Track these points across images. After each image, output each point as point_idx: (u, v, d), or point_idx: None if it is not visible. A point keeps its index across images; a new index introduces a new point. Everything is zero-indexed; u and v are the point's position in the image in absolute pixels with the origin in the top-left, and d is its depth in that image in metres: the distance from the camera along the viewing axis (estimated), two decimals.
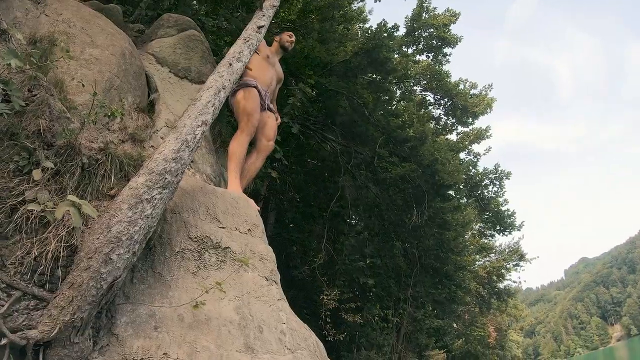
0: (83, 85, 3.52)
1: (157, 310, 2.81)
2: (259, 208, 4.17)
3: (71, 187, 2.77)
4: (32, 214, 2.40)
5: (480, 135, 13.74)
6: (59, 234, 2.44)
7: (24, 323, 2.33)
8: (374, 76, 10.36)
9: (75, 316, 2.32)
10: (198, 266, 3.12)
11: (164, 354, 2.64)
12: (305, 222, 10.81)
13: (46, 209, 2.38)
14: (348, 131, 10.59)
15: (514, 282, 28.67)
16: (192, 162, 4.90)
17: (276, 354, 3.05)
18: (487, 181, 13.53)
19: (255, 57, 5.33)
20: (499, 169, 13.70)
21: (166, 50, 5.98)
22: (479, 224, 27.42)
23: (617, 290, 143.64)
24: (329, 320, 8.36)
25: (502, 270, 27.64)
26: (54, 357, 2.41)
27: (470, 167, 12.99)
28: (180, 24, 6.32)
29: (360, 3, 13.76)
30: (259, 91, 5.20)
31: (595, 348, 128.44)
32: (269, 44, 6.00)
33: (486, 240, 27.43)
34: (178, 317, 2.81)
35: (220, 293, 3.05)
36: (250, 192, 7.68)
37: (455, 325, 21.33)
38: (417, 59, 13.34)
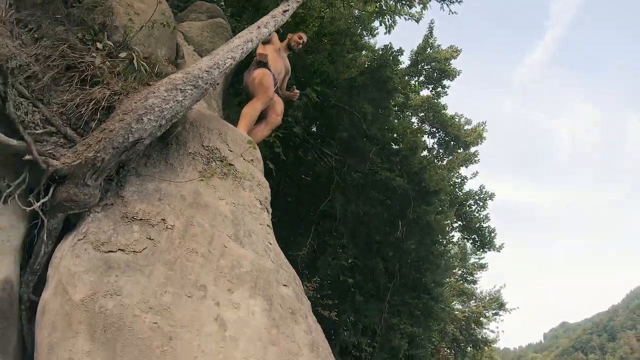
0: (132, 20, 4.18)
1: (163, 187, 3.32)
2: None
3: (114, 73, 3.38)
4: (87, 71, 3.01)
5: (468, 159, 14.45)
6: (104, 93, 3.02)
7: (50, 152, 2.86)
8: (376, 95, 11.09)
9: (98, 155, 2.81)
10: (205, 169, 3.66)
11: (162, 219, 3.13)
12: (293, 223, 11.26)
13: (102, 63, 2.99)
14: (345, 146, 11.23)
15: (492, 331, 28.71)
16: (210, 111, 5.55)
17: (261, 256, 3.52)
18: (471, 201, 14.16)
19: (269, 47, 6.05)
20: (484, 190, 14.38)
21: (194, 32, 6.71)
22: (460, 270, 27.78)
23: (595, 357, 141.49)
24: None
25: (481, 318, 27.79)
26: (63, 194, 2.87)
27: (457, 190, 13.65)
28: (211, 11, 7.13)
29: (372, 39, 14.74)
30: (272, 74, 5.89)
31: None
32: (282, 40, 6.76)
33: (468, 286, 27.78)
34: (181, 196, 3.32)
35: (220, 194, 3.60)
36: None
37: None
38: (419, 91, 14.24)
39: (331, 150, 11.43)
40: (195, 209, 3.32)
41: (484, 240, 14.20)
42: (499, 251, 15.05)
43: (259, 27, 4.67)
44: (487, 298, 27.39)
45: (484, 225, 14.09)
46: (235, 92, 8.84)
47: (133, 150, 3.06)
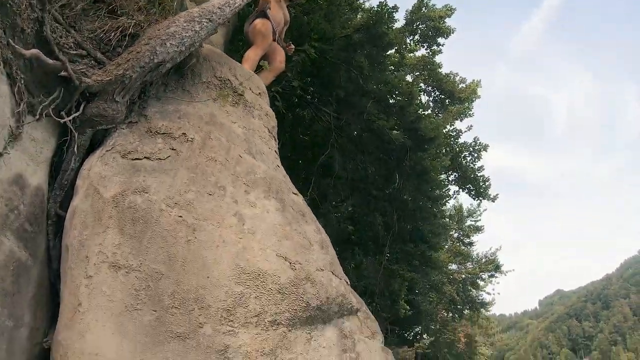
0: None
1: (182, 108, 3.69)
2: None
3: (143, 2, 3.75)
4: (114, 3, 3.35)
5: (462, 112, 14.79)
6: (131, 21, 3.38)
7: (83, 71, 3.21)
8: (374, 50, 11.35)
9: (127, 73, 3.16)
10: (218, 96, 4.03)
11: (182, 133, 3.49)
12: (292, 174, 11.58)
13: None
14: (343, 102, 11.55)
15: (488, 294, 29.34)
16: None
17: (274, 172, 3.92)
18: (466, 153, 14.53)
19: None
20: (478, 141, 14.73)
21: None
22: (457, 232, 28.31)
23: (589, 324, 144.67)
24: None
25: (478, 280, 28.45)
26: (93, 109, 3.23)
27: (451, 141, 14.01)
28: None
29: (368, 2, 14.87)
30: (272, 23, 6.21)
31: None
32: None
33: (464, 248, 28.37)
34: (198, 116, 3.69)
35: (233, 118, 3.97)
36: None
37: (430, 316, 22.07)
38: (414, 50, 14.47)
39: (329, 109, 11.73)
40: (212, 126, 3.69)
41: (479, 189, 14.58)
42: (493, 201, 15.40)
43: None
44: (483, 260, 27.97)
45: (479, 174, 14.47)
46: (235, 49, 9.10)
47: (157, 72, 3.42)
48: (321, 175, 11.04)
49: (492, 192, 14.97)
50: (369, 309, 4.25)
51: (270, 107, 9.34)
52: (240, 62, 4.98)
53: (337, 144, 11.42)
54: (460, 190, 14.88)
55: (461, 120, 15.11)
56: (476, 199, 15.33)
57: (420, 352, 24.51)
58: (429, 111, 14.19)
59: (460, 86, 14.51)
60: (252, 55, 5.72)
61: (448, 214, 18.91)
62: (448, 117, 14.00)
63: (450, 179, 14.70)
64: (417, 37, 14.00)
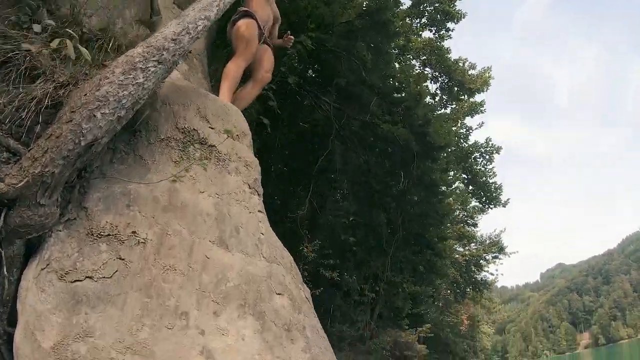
0: None
1: (133, 189, 2.75)
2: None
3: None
4: (23, 64, 2.37)
5: (473, 108, 13.74)
6: (47, 88, 2.41)
7: None
8: (378, 40, 10.28)
9: (47, 169, 2.26)
10: (181, 157, 3.08)
11: (132, 232, 2.59)
12: (292, 177, 10.78)
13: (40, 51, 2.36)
14: (344, 93, 10.54)
15: (491, 274, 29.04)
16: (188, 81, 4.87)
17: (251, 257, 3.01)
18: (477, 154, 13.57)
19: None
20: (490, 142, 13.74)
21: None
22: (461, 213, 27.65)
23: (589, 299, 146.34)
24: (307, 274, 8.41)
25: (481, 261, 28.04)
26: (16, 219, 2.34)
27: (462, 140, 13.02)
28: None
29: None
30: (257, 23, 5.18)
31: (562, 352, 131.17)
32: None
33: (468, 229, 27.76)
34: (153, 199, 2.77)
35: (201, 187, 3.04)
36: None
37: (433, 297, 21.62)
38: (420, 34, 13.31)
39: (329, 98, 10.77)
40: (171, 212, 2.78)
41: (490, 196, 13.71)
42: (504, 206, 14.67)
43: None
44: (488, 242, 27.44)
45: (490, 180, 13.55)
46: (223, 43, 8.14)
47: (90, 154, 2.46)
48: (321, 174, 10.11)
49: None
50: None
51: (265, 105, 8.50)
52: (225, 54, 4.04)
53: (338, 137, 10.47)
54: (469, 194, 14.02)
55: (472, 117, 14.06)
56: (486, 206, 14.53)
57: (422, 336, 24.28)
58: (437, 99, 13.19)
59: (470, 73, 13.43)
60: (233, 69, 4.72)
61: (454, 204, 18.11)
62: (459, 113, 12.96)
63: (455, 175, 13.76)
64: (424, 20, 12.85)
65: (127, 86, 2.50)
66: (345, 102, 10.49)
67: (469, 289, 28.75)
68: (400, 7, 11.47)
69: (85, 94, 2.39)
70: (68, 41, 2.29)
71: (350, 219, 9.32)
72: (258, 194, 3.61)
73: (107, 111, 2.41)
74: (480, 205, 19.06)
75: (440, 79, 13.51)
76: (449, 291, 27.86)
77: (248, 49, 4.89)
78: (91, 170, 2.73)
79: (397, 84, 10.25)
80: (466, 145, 13.15)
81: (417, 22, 13.06)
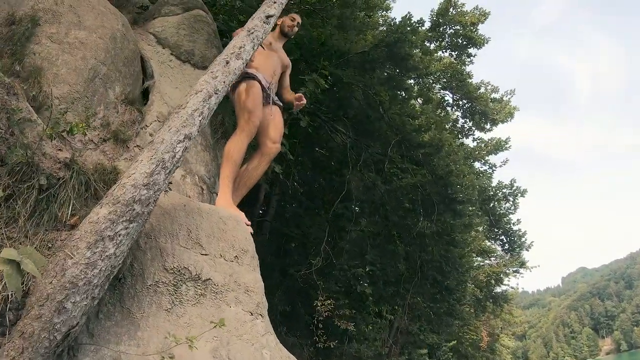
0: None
1: (123, 355, 2.38)
2: (250, 227, 3.68)
3: (24, 215, 2.37)
4: None
5: (498, 147, 13.07)
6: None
7: None
8: (393, 71, 9.76)
9: None
10: (173, 301, 2.67)
11: None
12: (307, 218, 10.34)
13: None
14: (360, 126, 10.06)
15: (512, 287, 28.33)
16: (184, 162, 4.42)
17: None
18: (500, 195, 12.92)
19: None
20: (515, 184, 13.06)
21: (169, 31, 5.56)
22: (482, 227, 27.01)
23: (612, 303, 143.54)
24: (321, 326, 7.97)
25: (501, 275, 27.32)
26: None
27: (485, 179, 12.40)
28: (186, 2, 5.89)
29: None
30: (261, 85, 4.64)
31: (583, 359, 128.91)
32: (272, 28, 5.40)
33: (489, 243, 27.04)
34: None
35: (195, 330, 2.63)
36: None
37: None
38: (439, 55, 12.71)
39: (345, 129, 10.28)
40: None
41: (513, 245, 13.08)
42: (528, 250, 14.06)
43: (227, 63, 3.31)
44: (508, 256, 26.72)
45: (514, 228, 12.90)
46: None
47: (69, 339, 2.12)
48: (337, 218, 9.63)
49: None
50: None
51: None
52: None
53: (354, 175, 9.98)
54: (492, 241, 13.41)
55: (496, 155, 13.34)
56: (509, 253, 13.94)
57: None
58: (459, 125, 12.59)
59: (492, 97, 12.77)
60: (234, 149, 4.20)
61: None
62: (482, 151, 12.33)
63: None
64: (444, 43, 12.23)
65: (96, 263, 2.09)
66: (361, 134, 10.00)
67: (489, 303, 28.06)
68: (419, 31, 10.93)
69: (51, 282, 2.02)
70: (7, 271, 1.88)
71: (367, 269, 8.83)
72: (261, 316, 3.23)
73: (78, 298, 2.06)
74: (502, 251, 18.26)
75: (461, 104, 12.88)
76: (467, 307, 27.24)
77: (250, 121, 4.38)
78: (79, 330, 2.33)
79: (417, 124, 9.68)
80: (489, 185, 12.48)
81: (437, 45, 12.45)
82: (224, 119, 6.04)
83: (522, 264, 27.81)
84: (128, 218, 2.22)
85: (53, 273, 2.02)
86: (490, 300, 27.39)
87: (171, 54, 5.49)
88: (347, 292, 8.72)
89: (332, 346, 8.22)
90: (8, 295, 2.04)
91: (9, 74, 2.91)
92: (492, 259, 28.34)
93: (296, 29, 5.31)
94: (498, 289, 27.49)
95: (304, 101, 5.07)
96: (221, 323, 2.54)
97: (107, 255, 2.11)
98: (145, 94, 4.70)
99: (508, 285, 28.10)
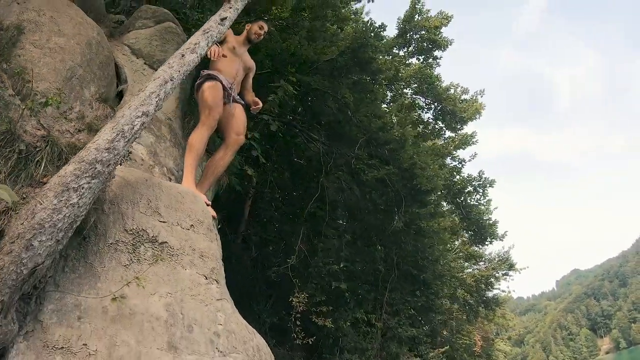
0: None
1: (83, 301, 2.77)
2: (209, 204, 4.10)
3: (4, 172, 2.80)
4: None
5: (465, 141, 13.60)
6: None
7: None
8: (361, 77, 10.26)
9: None
10: (131, 259, 3.06)
11: (83, 344, 2.61)
12: (285, 222, 10.73)
13: None
14: (332, 131, 10.50)
15: (503, 291, 28.53)
16: (153, 154, 4.85)
17: (203, 356, 2.98)
18: (470, 188, 13.37)
19: (221, 47, 5.26)
20: (483, 176, 13.55)
21: (142, 42, 5.97)
22: (464, 234, 27.42)
23: (607, 303, 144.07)
24: (298, 323, 8.28)
25: (491, 279, 27.56)
26: None
27: (454, 173, 12.85)
28: (158, 15, 6.31)
29: (358, 4, 13.67)
30: (222, 84, 5.11)
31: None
32: (240, 32, 5.90)
33: (476, 248, 27.39)
34: (102, 309, 2.76)
35: (151, 288, 3.00)
36: (226, 189, 7.61)
37: (444, 332, 21.24)
38: (408, 62, 13.26)
39: (318, 136, 10.72)
40: (119, 323, 2.78)
41: (484, 233, 13.51)
42: (502, 240, 14.46)
43: (182, 56, 3.82)
44: (496, 259, 27.01)
45: (484, 218, 13.34)
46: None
47: (34, 277, 2.50)
48: (312, 217, 10.02)
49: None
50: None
51: (250, 155, 8.45)
52: None
53: (327, 178, 10.38)
54: (465, 231, 13.84)
55: (464, 149, 13.91)
56: (482, 244, 14.32)
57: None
58: (430, 127, 13.07)
59: (462, 98, 13.34)
60: (196, 139, 4.69)
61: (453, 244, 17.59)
62: (449, 147, 12.83)
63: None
64: (411, 48, 12.82)
65: (61, 209, 2.50)
66: (333, 140, 10.45)
67: (481, 308, 28.22)
68: (386, 38, 11.45)
69: (22, 222, 2.44)
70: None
71: (342, 265, 9.18)
72: (217, 282, 3.58)
73: (44, 238, 2.45)
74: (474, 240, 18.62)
75: (432, 106, 13.43)
76: (459, 312, 27.42)
77: (210, 116, 4.84)
78: (45, 281, 2.75)
79: (382, 122, 10.17)
80: (458, 178, 12.96)
81: (405, 52, 13.01)
82: (194, 123, 6.43)
83: (511, 267, 28.17)
84: (90, 174, 2.65)
85: (25, 216, 2.43)
86: (482, 305, 27.61)
87: (144, 63, 5.89)
88: (323, 289, 9.04)
89: (310, 343, 8.50)
90: None
91: None
92: (481, 263, 28.68)
93: (262, 37, 5.83)
94: (489, 294, 27.77)
95: (260, 105, 5.69)
96: (161, 258, 2.96)
97: (71, 204, 2.53)
98: (120, 97, 5.13)
99: (499, 289, 28.39)
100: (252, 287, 9.67)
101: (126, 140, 2.93)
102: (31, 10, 4.28)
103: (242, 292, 8.31)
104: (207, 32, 4.32)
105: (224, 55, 5.04)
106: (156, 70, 6.07)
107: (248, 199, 9.95)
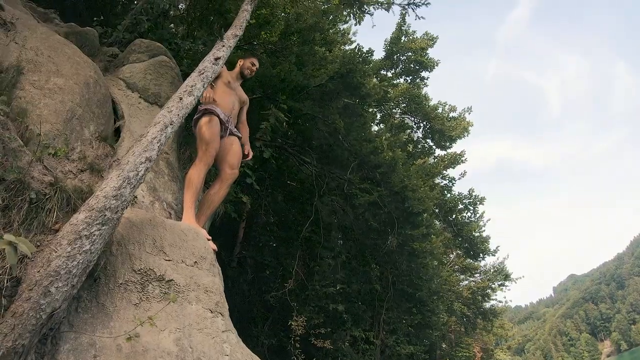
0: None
1: (98, 340, 2.91)
2: (209, 238, 4.25)
3: (18, 221, 2.93)
4: None
5: (455, 160, 13.86)
6: (4, 266, 2.58)
7: None
8: (351, 100, 10.49)
9: (17, 343, 2.46)
10: (140, 298, 3.21)
11: None
12: (281, 246, 10.87)
13: None
14: (323, 155, 10.68)
15: (500, 302, 28.65)
16: (153, 190, 4.99)
17: None
18: (461, 206, 13.60)
19: (216, 83, 5.45)
20: (473, 194, 13.79)
21: (137, 76, 6.11)
22: (457, 250, 27.61)
23: (606, 306, 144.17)
24: (298, 345, 8.37)
25: (488, 290, 27.69)
26: None
27: (445, 192, 13.07)
28: (152, 49, 6.48)
29: (345, 25, 13.99)
30: (219, 118, 5.27)
31: None
32: (234, 65, 6.10)
33: (470, 261, 27.57)
34: (117, 347, 2.90)
35: (161, 324, 3.15)
36: (222, 216, 7.74)
37: (443, 345, 21.27)
38: (395, 82, 13.53)
39: (310, 159, 10.90)
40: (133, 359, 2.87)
41: (476, 250, 13.72)
42: (494, 255, 14.68)
43: (180, 99, 3.99)
44: (492, 270, 27.18)
45: (475, 234, 13.56)
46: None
47: (52, 321, 2.66)
48: (307, 241, 10.16)
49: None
50: None
51: (244, 183, 8.59)
52: None
53: (321, 201, 10.54)
54: (457, 249, 14.05)
55: (454, 168, 14.18)
56: (475, 260, 14.54)
57: None
58: (420, 146, 13.32)
59: (450, 115, 13.62)
60: (194, 176, 4.83)
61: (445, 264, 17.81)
62: (439, 166, 13.09)
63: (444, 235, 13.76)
64: (398, 69, 13.13)
65: (75, 256, 2.65)
66: (325, 163, 10.64)
67: (479, 319, 28.26)
68: (373, 61, 11.70)
69: (39, 270, 2.57)
70: (8, 250, 2.44)
71: (338, 287, 9.31)
72: (221, 315, 3.72)
73: (60, 284, 2.59)
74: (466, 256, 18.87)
75: (421, 126, 13.70)
76: (457, 325, 27.45)
77: (207, 152, 5.00)
78: (59, 322, 2.87)
79: (373, 146, 10.39)
80: (449, 197, 13.20)
81: (392, 72, 13.31)
82: (191, 154, 6.57)
83: (507, 277, 28.32)
84: (101, 221, 2.81)
85: (41, 264, 2.59)
86: (480, 317, 27.67)
87: (140, 97, 6.03)
88: (321, 312, 9.15)
89: None
90: (4, 282, 2.56)
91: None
92: (477, 275, 28.82)
93: (254, 73, 6.07)
94: (486, 305, 27.88)
95: (251, 156, 5.96)
96: (173, 299, 3.11)
97: (84, 251, 2.69)
98: (118, 133, 5.26)
99: (496, 299, 28.51)
100: (249, 310, 9.76)
101: (132, 186, 3.09)
102: (29, 50, 4.44)
103: (240, 314, 8.40)
104: (203, 73, 4.51)
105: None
106: (151, 103, 6.29)
107: (242, 220, 10.09)
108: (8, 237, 2.48)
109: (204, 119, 5.16)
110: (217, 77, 5.48)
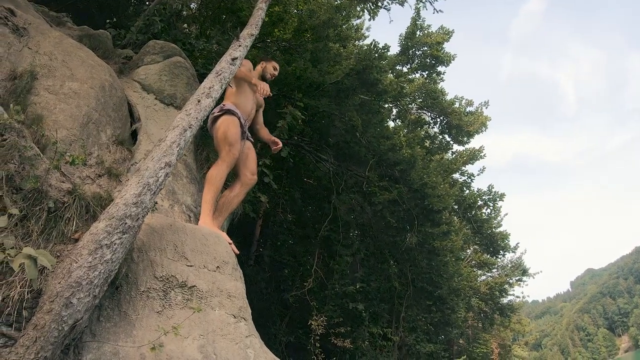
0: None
1: (121, 349, 2.84)
2: (231, 242, 4.17)
3: (37, 232, 2.84)
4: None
5: (473, 156, 13.66)
6: (24, 278, 2.50)
7: None
8: (367, 97, 10.37)
9: (39, 355, 2.39)
10: (163, 305, 3.14)
11: None
12: (299, 244, 10.80)
13: (9, 257, 2.44)
14: (341, 152, 10.58)
15: (517, 297, 28.39)
16: (172, 193, 4.92)
17: None
18: (480, 202, 13.40)
19: (238, 83, 5.33)
20: (493, 190, 13.58)
21: (152, 77, 6.03)
22: (474, 245, 27.32)
23: (624, 300, 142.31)
24: (318, 345, 8.31)
25: (505, 286, 27.43)
26: None
27: (464, 188, 12.89)
28: (166, 50, 6.41)
29: (358, 20, 13.86)
30: (240, 120, 5.15)
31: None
32: (256, 64, 5.96)
33: (488, 256, 27.29)
34: (140, 356, 2.83)
35: (185, 331, 3.08)
36: (240, 215, 7.68)
37: (461, 341, 21.13)
38: (411, 77, 13.36)
39: (327, 156, 10.81)
40: None
41: (497, 247, 13.52)
42: (514, 252, 14.46)
43: (198, 102, 3.87)
44: (509, 266, 26.90)
45: (496, 231, 13.35)
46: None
47: (75, 332, 2.60)
48: (326, 240, 10.07)
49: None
50: None
51: (261, 182, 8.54)
52: None
53: (339, 199, 10.44)
54: (475, 245, 13.88)
55: (472, 164, 13.96)
56: (495, 256, 14.38)
57: None
58: (437, 141, 13.16)
59: (467, 110, 13.44)
60: (215, 176, 4.69)
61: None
62: (458, 163, 12.90)
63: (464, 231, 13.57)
64: (414, 64, 12.96)
65: (96, 266, 2.58)
66: (343, 160, 10.54)
67: (496, 315, 28.05)
68: (389, 57, 11.56)
69: (59, 281, 2.50)
70: (28, 263, 2.37)
71: (358, 286, 9.22)
72: (244, 319, 3.65)
73: (82, 295, 2.52)
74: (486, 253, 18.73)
75: (438, 121, 13.52)
76: (474, 321, 27.25)
77: (231, 153, 4.86)
78: (81, 331, 2.81)
79: (391, 143, 10.25)
80: (469, 193, 12.99)
81: (408, 67, 13.15)
82: (208, 154, 6.49)
83: (524, 272, 28.03)
84: (121, 230, 2.73)
85: (61, 275, 2.51)
86: (497, 313, 27.45)
87: (155, 98, 5.95)
88: (341, 311, 9.07)
89: None
90: (25, 294, 2.49)
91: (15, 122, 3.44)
92: (494, 270, 28.55)
93: (274, 77, 5.93)
94: (504, 300, 27.63)
95: (280, 145, 5.75)
96: (198, 309, 3.02)
97: (105, 260, 2.61)
98: (134, 135, 5.19)
99: (513, 295, 28.24)
100: (267, 308, 9.72)
101: (152, 193, 3.01)
102: (43, 55, 4.38)
103: (257, 312, 8.34)
104: (220, 74, 4.39)
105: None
106: (167, 105, 6.21)
107: (259, 218, 10.04)
108: (27, 250, 2.41)
109: (228, 118, 5.00)
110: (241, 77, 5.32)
